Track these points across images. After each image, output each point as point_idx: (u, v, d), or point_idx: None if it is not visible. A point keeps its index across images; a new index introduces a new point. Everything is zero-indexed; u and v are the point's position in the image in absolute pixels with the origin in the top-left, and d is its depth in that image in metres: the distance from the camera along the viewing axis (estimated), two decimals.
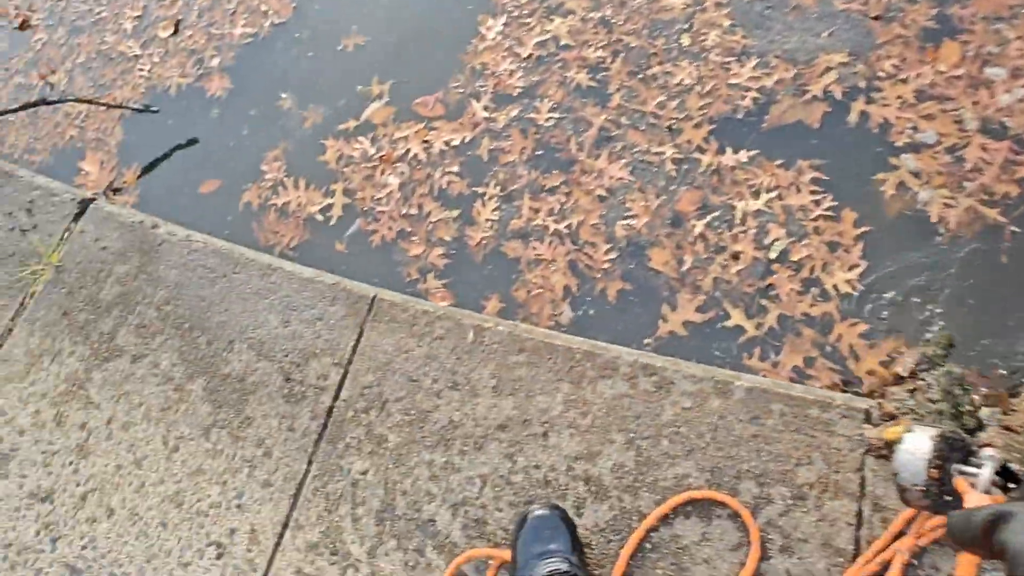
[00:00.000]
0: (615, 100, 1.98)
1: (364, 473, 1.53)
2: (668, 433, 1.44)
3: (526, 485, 1.46)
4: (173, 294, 1.83)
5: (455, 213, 1.96)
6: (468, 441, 1.51)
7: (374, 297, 1.68)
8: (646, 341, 1.77)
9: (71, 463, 1.70)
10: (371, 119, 2.15)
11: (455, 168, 2.01)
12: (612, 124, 1.97)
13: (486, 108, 2.06)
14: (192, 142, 2.39)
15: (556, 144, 1.99)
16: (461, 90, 2.11)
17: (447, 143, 2.04)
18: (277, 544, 1.52)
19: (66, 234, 1.97)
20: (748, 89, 1.89)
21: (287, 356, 1.68)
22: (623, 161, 1.92)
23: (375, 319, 1.67)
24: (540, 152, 1.99)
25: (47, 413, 1.77)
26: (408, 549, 1.46)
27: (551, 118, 2.00)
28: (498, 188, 1.97)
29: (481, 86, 2.10)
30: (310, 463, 1.57)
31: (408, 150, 2.05)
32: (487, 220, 1.94)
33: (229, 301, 1.78)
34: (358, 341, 1.65)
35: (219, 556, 1.54)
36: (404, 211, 1.99)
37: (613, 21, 2.04)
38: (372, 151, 2.09)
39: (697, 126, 1.91)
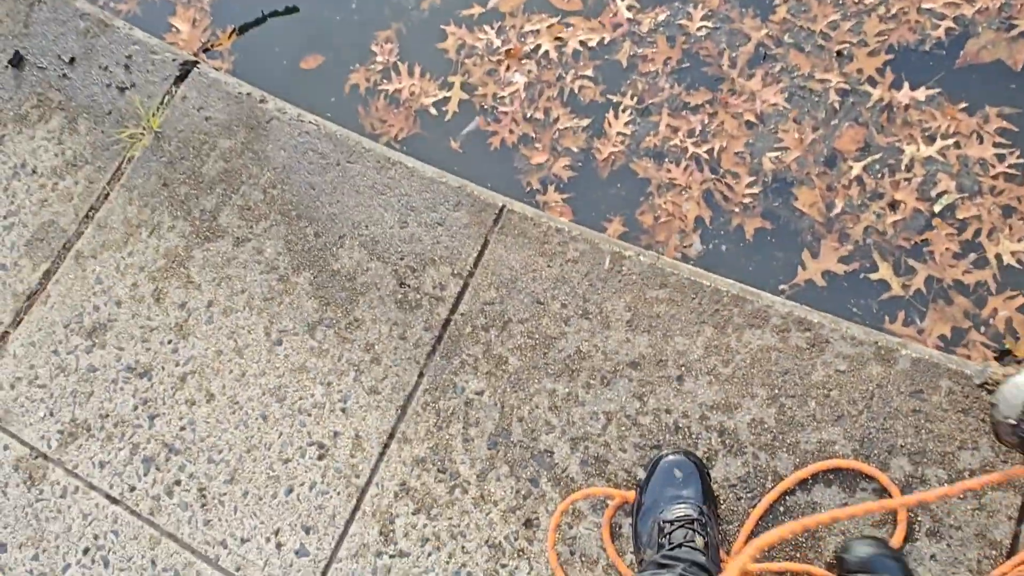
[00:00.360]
0: (780, 13, 1.76)
1: (479, 393, 1.46)
2: (817, 395, 1.33)
3: (654, 429, 1.37)
4: (280, 177, 1.71)
5: (585, 122, 1.79)
6: (595, 375, 1.42)
7: (503, 207, 1.55)
8: (781, 287, 1.64)
9: (170, 342, 1.64)
10: (498, 7, 1.94)
11: (589, 72, 1.82)
12: (772, 41, 1.75)
13: (630, 8, 1.84)
14: (292, 10, 2.20)
15: (705, 57, 1.78)
16: None
17: (582, 43, 1.84)
18: (382, 454, 1.47)
19: (167, 98, 1.84)
20: (943, 17, 1.65)
21: (402, 259, 1.58)
22: (780, 85, 1.72)
23: (502, 231, 1.54)
24: (686, 64, 1.79)
25: (145, 288, 1.70)
26: (521, 477, 1.39)
27: (703, 27, 1.79)
28: (634, 100, 1.79)
29: None
30: (421, 375, 1.49)
31: (538, 46, 1.86)
32: (619, 134, 1.77)
33: (341, 192, 1.66)
34: (481, 253, 1.54)
35: (320, 457, 1.49)
36: (529, 114, 1.82)
37: None
38: (498, 43, 1.90)
39: (873, 54, 1.69)
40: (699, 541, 1.18)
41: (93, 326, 1.70)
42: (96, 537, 1.54)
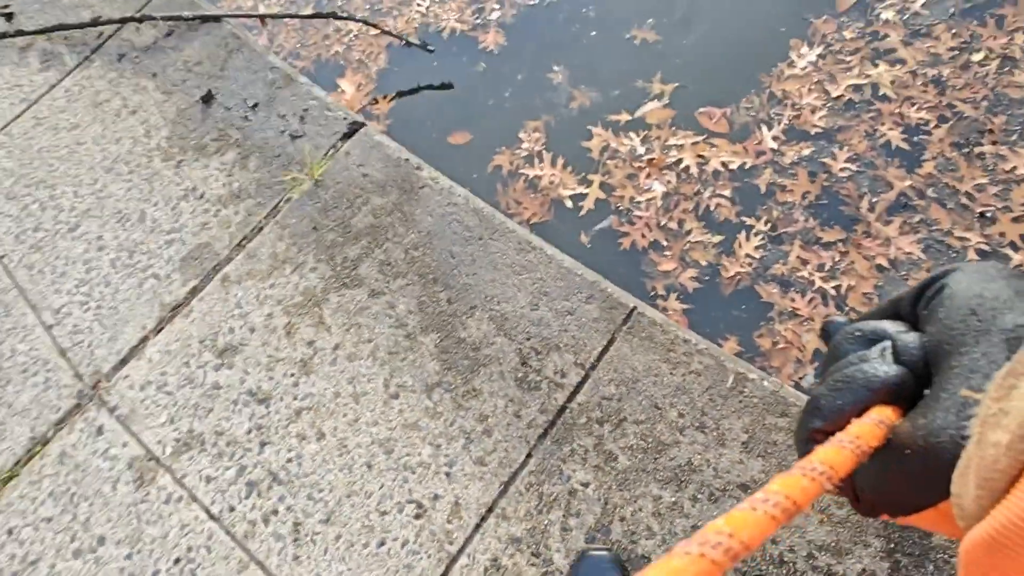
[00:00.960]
0: (926, 168, 1.80)
1: (585, 485, 1.47)
2: (936, 559, 1.29)
3: (757, 557, 1.35)
4: (424, 241, 1.82)
5: (716, 239, 1.85)
6: (704, 489, 1.42)
7: (633, 309, 1.60)
8: None
9: (292, 375, 1.73)
10: (646, 118, 2.05)
11: (727, 192, 1.90)
12: (915, 193, 1.79)
13: (776, 139, 1.92)
14: (448, 86, 2.38)
15: (844, 197, 1.83)
16: (752, 113, 1.98)
17: (724, 164, 1.92)
18: (479, 525, 1.49)
19: (332, 151, 2.00)
20: None
21: (528, 340, 1.64)
22: (917, 236, 1.75)
23: (629, 332, 1.59)
24: (824, 201, 1.84)
25: (279, 320, 1.81)
26: None
27: (846, 169, 1.85)
28: (768, 225, 1.84)
29: (776, 114, 1.96)
30: (529, 456, 1.53)
31: (680, 160, 1.95)
32: (747, 256, 1.82)
33: (479, 266, 1.75)
34: (607, 348, 1.58)
35: (417, 516, 1.53)
36: (663, 222, 1.90)
37: (949, 83, 1.85)
38: (641, 151, 2.00)
39: (1017, 220, 1.71)
40: None
41: (225, 346, 1.81)
42: (189, 549, 1.60)
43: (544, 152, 2.09)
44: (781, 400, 1.46)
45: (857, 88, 1.91)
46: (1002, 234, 1.71)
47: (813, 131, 1.91)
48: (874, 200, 1.80)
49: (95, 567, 1.62)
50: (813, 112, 1.91)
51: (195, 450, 1.70)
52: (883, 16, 1.96)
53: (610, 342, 1.59)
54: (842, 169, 1.85)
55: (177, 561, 1.59)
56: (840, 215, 1.82)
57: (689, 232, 1.87)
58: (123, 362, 1.86)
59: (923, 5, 1.96)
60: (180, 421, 1.74)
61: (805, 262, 1.78)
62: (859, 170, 1.84)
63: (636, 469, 1.46)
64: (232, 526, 1.60)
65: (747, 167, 1.91)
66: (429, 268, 1.79)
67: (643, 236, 1.89)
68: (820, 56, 1.97)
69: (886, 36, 1.94)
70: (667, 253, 1.86)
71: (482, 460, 1.54)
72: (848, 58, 1.95)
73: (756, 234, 1.84)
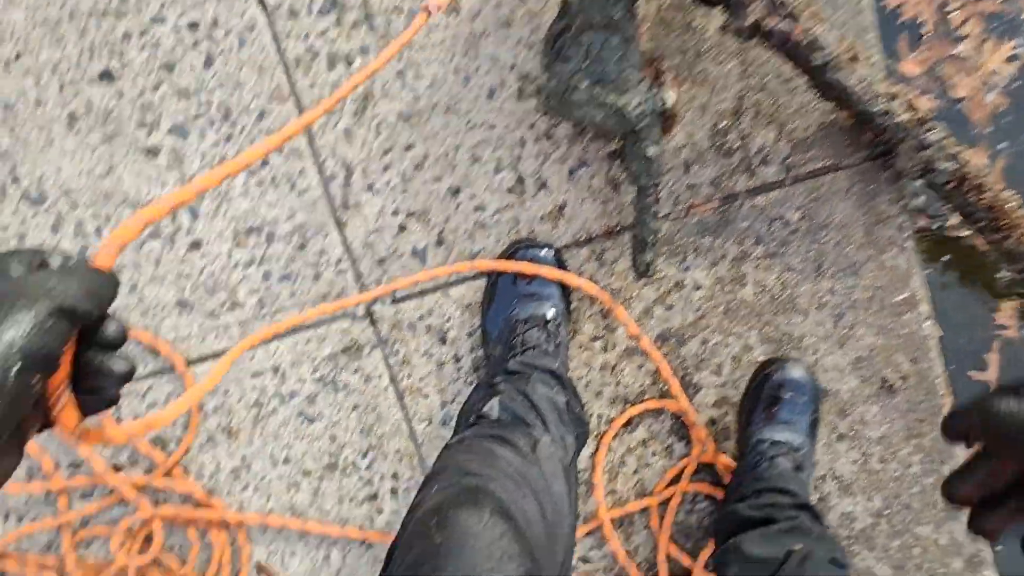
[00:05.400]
0: None
1: (697, 287, 1.25)
2: (914, 554, 1.34)
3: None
4: None
5: None
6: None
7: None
8: None
9: None
10: None
11: None
12: None
13: None
14: None
15: None
16: None
17: None
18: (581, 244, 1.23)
19: None
20: None
21: (760, 91, 1.21)
22: None
23: (862, 174, 1.24)
24: None
25: None
26: (656, 383, 1.26)
27: None
28: None
29: None
30: (667, 216, 1.23)
31: None
32: None
33: None
34: (826, 170, 1.23)
35: (511, 191, 1.21)
36: None
37: None
38: None
39: None
40: (551, 344, 1.08)
41: None
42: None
43: None
44: (923, 347, 1.30)
45: None
46: None
47: None
48: None
49: None
50: None
51: None
52: None
53: (836, 167, 1.24)
54: None
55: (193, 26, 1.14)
56: None
57: None
58: None
59: None
60: None
61: None
62: None
63: (752, 309, 1.26)
64: (284, 43, 1.15)
65: None
66: None
67: None
68: None
69: None
70: None
71: (616, 184, 1.22)
72: None
73: None
